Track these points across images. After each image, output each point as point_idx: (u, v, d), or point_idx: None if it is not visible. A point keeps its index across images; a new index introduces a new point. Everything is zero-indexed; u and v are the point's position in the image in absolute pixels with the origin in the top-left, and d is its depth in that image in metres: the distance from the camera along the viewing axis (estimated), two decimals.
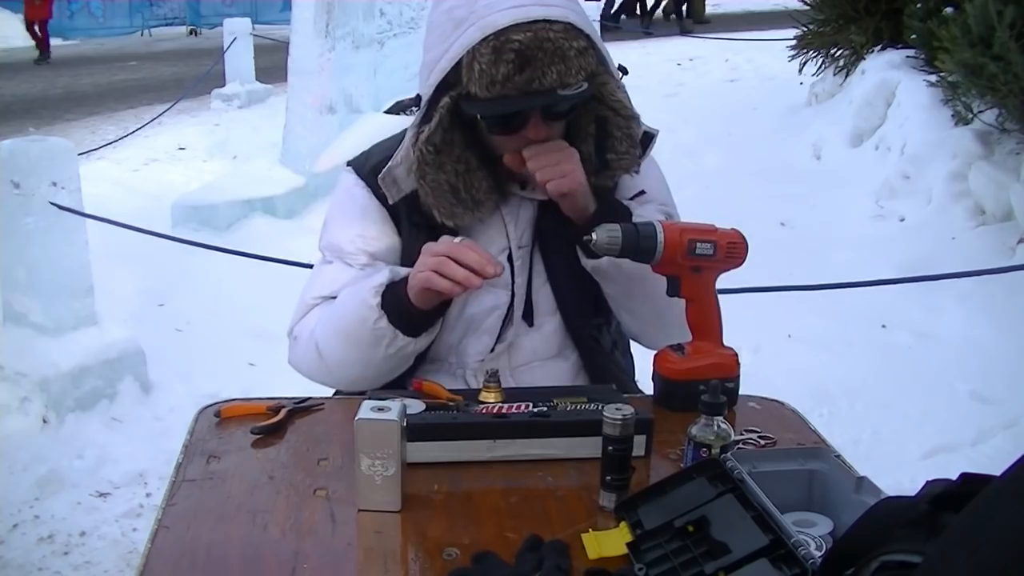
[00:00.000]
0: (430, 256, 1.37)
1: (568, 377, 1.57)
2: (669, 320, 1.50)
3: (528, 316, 1.55)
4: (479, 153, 1.47)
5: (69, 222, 3.22)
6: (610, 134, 1.48)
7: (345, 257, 1.55)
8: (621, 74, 1.50)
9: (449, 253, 1.34)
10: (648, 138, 1.54)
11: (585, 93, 1.40)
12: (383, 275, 1.45)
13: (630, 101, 1.49)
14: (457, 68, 1.37)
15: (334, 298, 1.53)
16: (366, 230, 1.55)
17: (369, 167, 1.55)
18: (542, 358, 1.56)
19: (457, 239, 1.38)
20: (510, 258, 1.53)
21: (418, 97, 1.45)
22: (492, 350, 1.53)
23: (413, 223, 1.52)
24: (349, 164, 1.60)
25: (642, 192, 1.58)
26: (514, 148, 1.44)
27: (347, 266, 1.55)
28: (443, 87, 1.40)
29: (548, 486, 1.21)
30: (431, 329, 1.47)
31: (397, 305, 1.42)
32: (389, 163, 1.50)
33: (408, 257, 1.50)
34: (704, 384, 1.15)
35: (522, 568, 1.00)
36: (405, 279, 1.42)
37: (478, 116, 1.42)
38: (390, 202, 1.51)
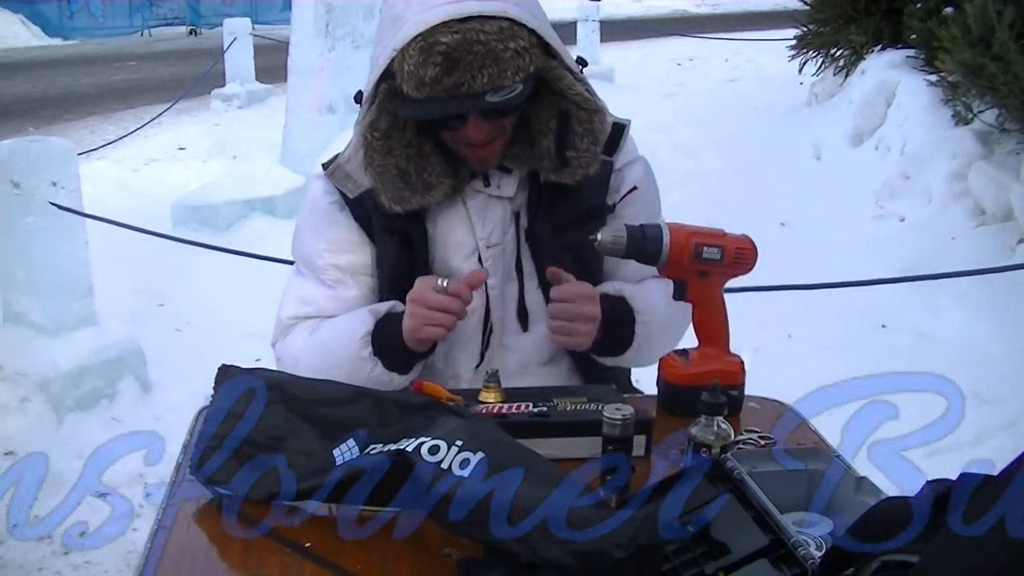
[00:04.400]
0: (415, 307, 1.38)
1: (562, 381, 1.55)
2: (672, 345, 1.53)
3: (523, 320, 1.53)
4: (435, 139, 1.45)
5: (69, 222, 3.21)
6: (571, 129, 1.44)
7: (317, 272, 1.53)
8: (580, 66, 1.46)
9: (429, 306, 1.36)
10: (619, 129, 1.50)
11: (519, 96, 1.35)
12: (366, 324, 1.44)
13: (594, 93, 1.46)
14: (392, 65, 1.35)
15: (310, 318, 1.53)
16: (334, 240, 1.52)
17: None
18: (536, 363, 1.54)
19: (439, 281, 1.38)
20: (479, 259, 1.50)
21: (360, 93, 1.44)
22: (482, 356, 1.52)
23: (382, 227, 1.49)
24: (322, 167, 1.55)
25: (634, 188, 1.55)
26: (460, 141, 1.42)
27: (319, 282, 1.53)
28: (384, 77, 1.38)
29: None
30: (425, 357, 1.48)
31: (390, 350, 1.43)
32: (338, 157, 1.48)
33: (383, 264, 1.49)
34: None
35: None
36: (386, 317, 1.43)
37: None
38: (350, 197, 1.49)
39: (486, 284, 1.50)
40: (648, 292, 1.52)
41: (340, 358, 1.45)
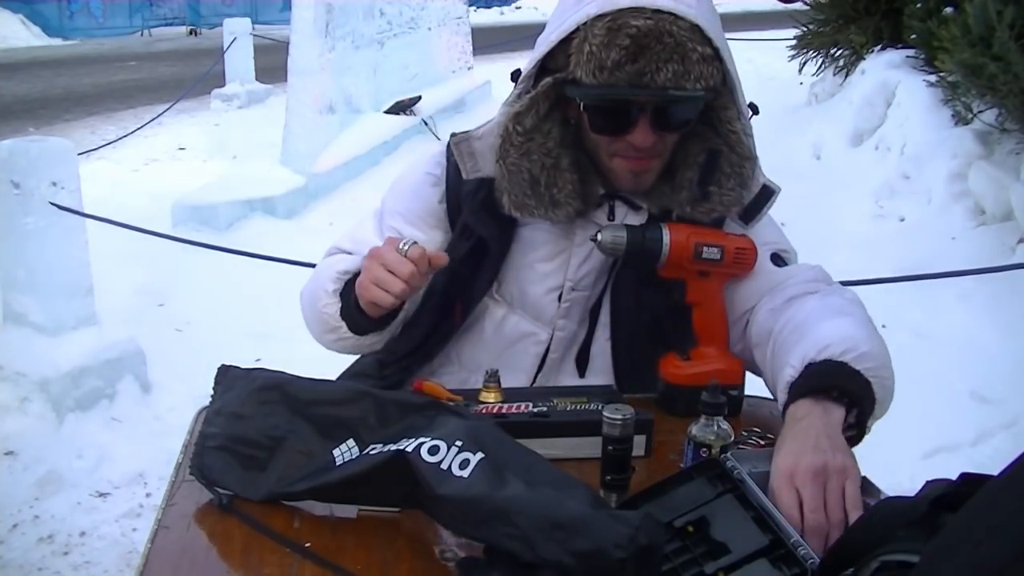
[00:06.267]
0: (370, 261, 1.30)
1: None
2: None
3: (581, 366, 1.47)
4: (573, 156, 1.36)
5: (69, 222, 3.22)
6: (719, 167, 1.35)
7: (382, 225, 1.49)
8: (751, 112, 1.38)
9: (384, 262, 1.28)
10: (766, 194, 1.40)
11: (701, 100, 1.29)
12: (350, 263, 1.39)
13: (752, 142, 1.37)
14: (567, 50, 1.28)
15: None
16: (410, 209, 1.47)
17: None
18: None
19: (404, 243, 1.29)
20: (560, 297, 1.43)
21: (517, 71, 1.36)
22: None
23: (466, 224, 1.42)
24: (451, 135, 1.45)
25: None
26: (616, 152, 1.34)
27: (378, 234, 1.48)
28: (550, 70, 1.31)
29: None
30: (379, 332, 1.41)
31: (348, 299, 1.37)
32: (470, 131, 1.41)
33: (450, 252, 1.39)
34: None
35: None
36: None
37: (580, 106, 1.32)
38: (464, 176, 1.41)
39: (555, 324, 1.44)
40: (832, 327, 1.24)
41: (317, 284, 1.42)
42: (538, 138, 1.34)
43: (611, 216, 1.41)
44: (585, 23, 1.26)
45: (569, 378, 1.48)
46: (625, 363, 1.46)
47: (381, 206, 1.54)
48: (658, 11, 1.23)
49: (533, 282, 1.44)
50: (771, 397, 1.48)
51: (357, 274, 1.36)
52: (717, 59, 1.28)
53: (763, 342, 1.36)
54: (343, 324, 1.39)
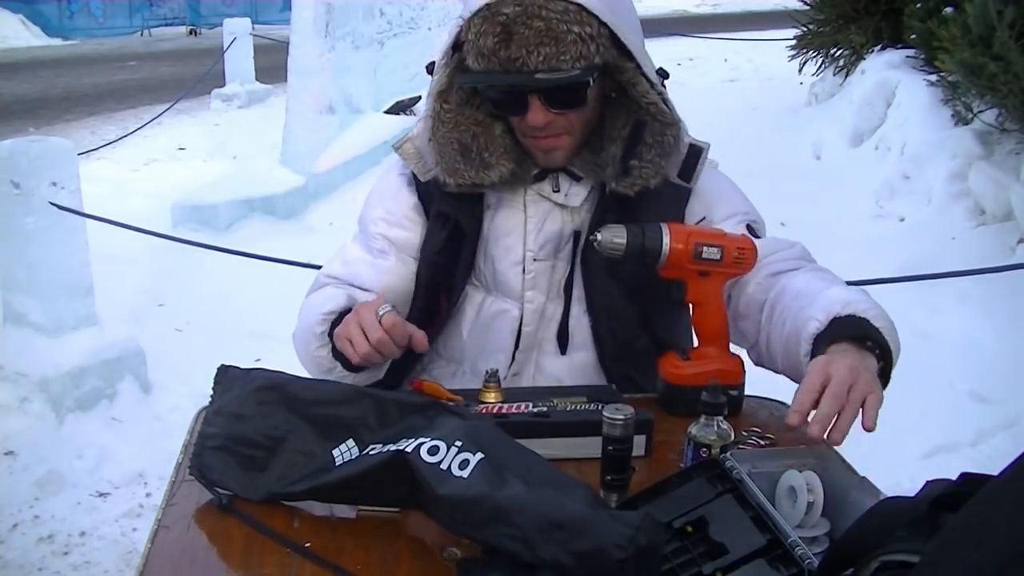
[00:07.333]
0: (352, 315, 1.33)
1: None
2: None
3: (562, 342, 1.49)
4: (506, 125, 1.42)
5: (69, 222, 3.22)
6: (642, 140, 1.40)
7: (368, 238, 1.53)
8: (661, 77, 1.41)
9: (360, 319, 1.30)
10: (696, 152, 1.45)
11: (576, 82, 1.31)
12: (336, 302, 1.41)
13: (671, 107, 1.41)
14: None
15: (342, 280, 1.51)
16: (392, 211, 1.51)
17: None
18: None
19: (382, 309, 1.30)
20: (524, 270, 1.47)
21: (432, 64, 1.42)
22: (509, 369, 1.49)
23: (438, 212, 1.47)
24: (393, 147, 1.54)
25: (703, 219, 1.48)
26: (523, 131, 1.40)
27: (366, 248, 1.52)
28: (457, 48, 1.37)
29: None
30: (373, 370, 1.42)
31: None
32: (406, 134, 1.47)
33: (427, 248, 1.49)
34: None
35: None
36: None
37: (475, 89, 1.38)
38: (421, 179, 1.47)
39: (523, 297, 1.47)
40: (842, 291, 1.30)
41: (305, 327, 1.43)
42: (468, 111, 1.40)
43: (555, 187, 1.46)
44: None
45: (551, 357, 1.50)
46: (607, 337, 1.48)
47: (360, 222, 1.57)
48: None
49: (499, 259, 1.49)
50: (771, 398, 1.49)
51: (343, 312, 1.38)
52: (607, 35, 1.31)
53: (753, 312, 1.41)
54: (337, 364, 1.39)
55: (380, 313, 1.29)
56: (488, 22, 1.29)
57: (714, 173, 1.53)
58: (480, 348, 1.51)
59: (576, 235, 1.47)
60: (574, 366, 1.50)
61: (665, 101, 1.41)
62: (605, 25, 1.31)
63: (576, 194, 1.46)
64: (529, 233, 1.46)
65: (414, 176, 1.50)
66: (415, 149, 1.47)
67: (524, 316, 1.48)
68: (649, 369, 1.45)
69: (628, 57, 1.36)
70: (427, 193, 1.49)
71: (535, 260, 1.47)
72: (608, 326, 1.48)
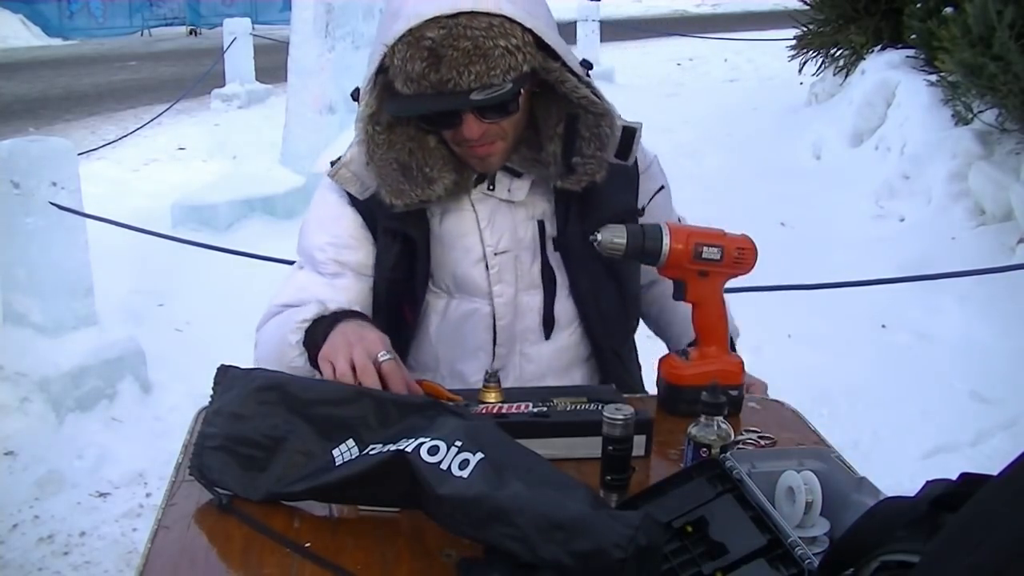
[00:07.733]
0: (343, 339, 1.29)
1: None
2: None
3: (548, 328, 1.51)
4: (439, 134, 1.42)
5: (69, 222, 3.22)
6: (579, 134, 1.40)
7: (316, 265, 1.51)
8: (585, 68, 1.42)
9: (352, 355, 1.25)
10: (631, 133, 1.45)
11: (508, 95, 1.31)
12: (310, 309, 1.38)
13: (601, 96, 1.41)
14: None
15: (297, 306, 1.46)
16: (338, 235, 1.50)
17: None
18: (555, 371, 1.53)
19: (383, 355, 1.25)
20: (487, 266, 1.48)
21: (356, 90, 1.41)
22: (492, 365, 1.49)
23: (385, 229, 1.47)
24: (327, 172, 1.52)
25: (661, 187, 1.58)
26: (456, 142, 1.40)
27: (317, 274, 1.51)
28: (381, 71, 1.36)
29: None
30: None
31: (315, 348, 1.34)
32: (339, 161, 1.47)
33: (382, 265, 1.48)
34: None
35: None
36: (333, 315, 1.36)
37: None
38: (360, 199, 1.47)
39: (491, 292, 1.48)
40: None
41: (275, 340, 1.41)
42: (399, 128, 1.40)
43: (491, 185, 1.47)
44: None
45: (536, 345, 1.51)
46: (591, 313, 1.51)
47: (303, 252, 1.54)
48: (456, 15, 1.27)
49: (458, 261, 1.49)
50: (771, 397, 1.49)
51: (317, 320, 1.36)
52: (531, 41, 1.32)
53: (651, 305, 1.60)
54: (317, 372, 1.35)
55: (380, 359, 1.25)
56: (413, 47, 1.28)
57: (654, 159, 1.60)
58: (455, 351, 1.51)
59: (541, 225, 1.49)
60: (560, 347, 1.52)
61: (594, 92, 1.41)
62: (528, 31, 1.32)
63: (518, 189, 1.48)
64: (484, 230, 1.48)
65: (352, 197, 1.49)
66: (351, 173, 1.46)
67: (496, 311, 1.49)
68: (622, 328, 1.57)
69: (553, 56, 1.37)
70: (368, 212, 1.48)
71: (496, 254, 1.48)
72: (595, 305, 1.51)
